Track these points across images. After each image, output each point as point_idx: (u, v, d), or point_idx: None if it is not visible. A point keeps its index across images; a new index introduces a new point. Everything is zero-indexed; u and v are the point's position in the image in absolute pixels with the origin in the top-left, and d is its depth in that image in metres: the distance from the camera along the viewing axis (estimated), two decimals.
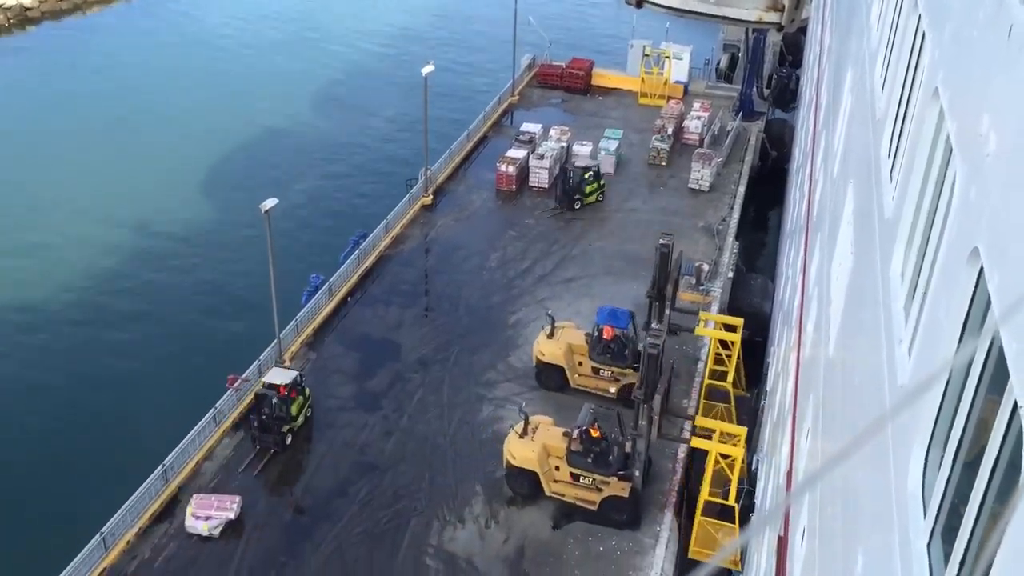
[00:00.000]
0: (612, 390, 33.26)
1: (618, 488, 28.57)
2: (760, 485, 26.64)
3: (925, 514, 7.08)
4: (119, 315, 42.52)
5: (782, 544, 16.43)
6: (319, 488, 30.00)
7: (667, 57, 58.78)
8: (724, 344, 33.42)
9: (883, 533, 8.02)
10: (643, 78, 59.26)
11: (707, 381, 33.24)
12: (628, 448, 28.60)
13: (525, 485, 29.34)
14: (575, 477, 28.90)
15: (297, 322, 36.31)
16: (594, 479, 28.67)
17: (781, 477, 19.50)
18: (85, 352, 39.96)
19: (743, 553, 25.79)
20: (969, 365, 6.64)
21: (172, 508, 28.89)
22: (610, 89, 61.09)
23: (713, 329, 34.32)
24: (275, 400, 30.50)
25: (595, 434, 28.57)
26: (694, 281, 39.63)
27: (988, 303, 6.17)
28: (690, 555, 27.94)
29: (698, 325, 34.02)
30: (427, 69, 44.45)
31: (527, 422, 29.63)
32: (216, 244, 47.75)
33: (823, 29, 40.77)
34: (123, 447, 34.01)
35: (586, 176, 45.85)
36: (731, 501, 27.51)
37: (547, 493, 29.18)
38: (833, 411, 13.55)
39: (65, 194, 51.14)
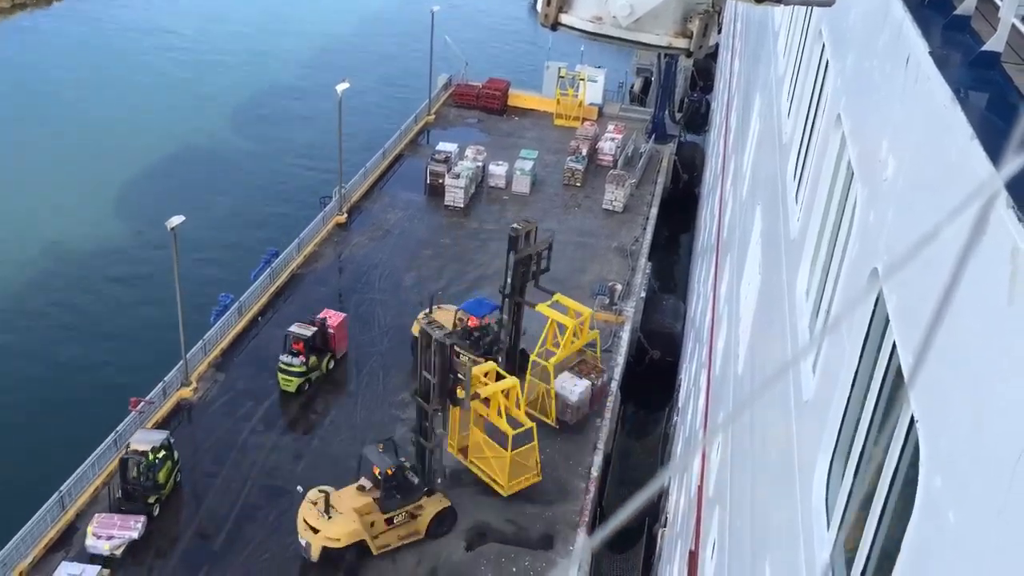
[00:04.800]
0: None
1: (436, 504, 28.08)
2: (672, 500, 27.03)
3: (828, 526, 7.26)
4: (15, 335, 40.68)
5: (693, 558, 16.67)
6: (226, 513, 29.11)
7: (582, 79, 59.69)
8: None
9: (789, 545, 8.20)
10: (558, 99, 60.01)
11: (533, 357, 32.04)
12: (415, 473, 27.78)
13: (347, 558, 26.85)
14: (389, 521, 27.45)
15: (205, 342, 35.32)
16: (406, 512, 27.57)
17: (692, 491, 19.81)
18: None
19: (654, 567, 26.06)
20: (869, 381, 6.87)
21: (69, 536, 27.64)
22: (526, 110, 61.63)
23: (555, 311, 32.48)
24: (141, 465, 27.70)
25: (389, 472, 27.17)
26: (608, 301, 40.11)
27: (887, 322, 6.39)
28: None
29: (549, 302, 32.85)
30: (342, 86, 44.12)
31: (328, 501, 26.91)
32: (121, 262, 46.20)
33: (732, 56, 42.04)
34: (17, 472, 32.43)
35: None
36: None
37: (375, 553, 27.14)
38: (742, 426, 13.84)
39: None
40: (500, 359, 32.59)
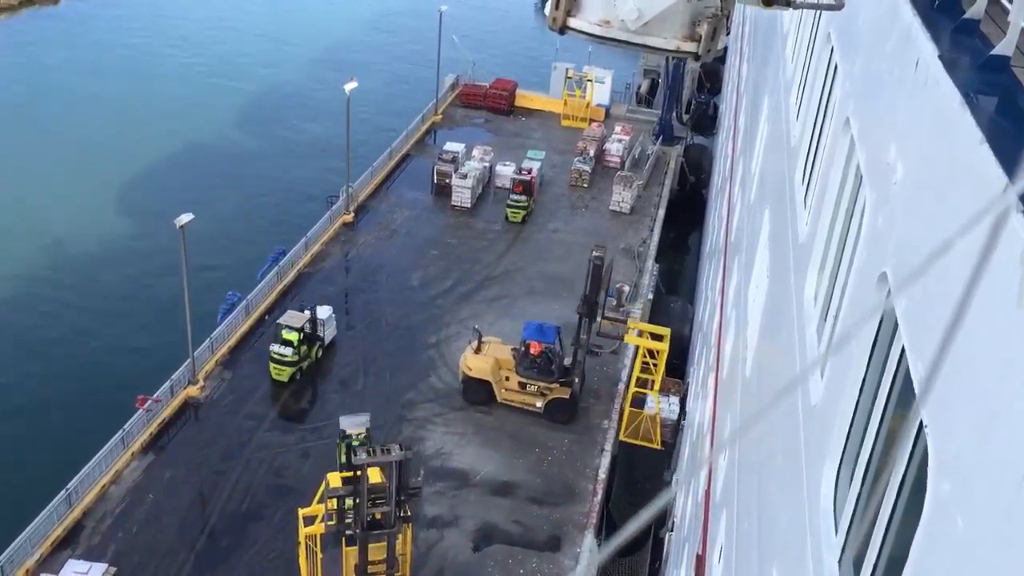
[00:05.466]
0: (539, 404, 33.47)
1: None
2: (679, 504, 27.00)
3: (836, 531, 7.25)
4: (23, 333, 40.83)
5: (700, 562, 16.65)
6: (233, 512, 29.19)
7: (589, 80, 59.66)
8: (651, 354, 33.39)
9: (796, 550, 8.19)
10: (566, 100, 60.01)
11: (633, 389, 33.50)
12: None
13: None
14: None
15: (212, 340, 35.39)
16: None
17: (700, 495, 19.79)
18: None
19: (661, 571, 26.04)
20: (877, 386, 6.85)
21: (76, 535, 27.72)
22: (533, 110, 61.66)
23: (640, 338, 33.89)
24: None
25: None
26: (615, 303, 40.03)
27: (896, 327, 6.38)
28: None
29: (627, 333, 34.10)
30: (350, 86, 44.17)
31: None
32: (129, 260, 46.34)
33: (741, 59, 41.98)
34: (24, 470, 32.56)
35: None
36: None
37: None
38: (749, 430, 13.81)
39: None
40: (576, 380, 33.27)
